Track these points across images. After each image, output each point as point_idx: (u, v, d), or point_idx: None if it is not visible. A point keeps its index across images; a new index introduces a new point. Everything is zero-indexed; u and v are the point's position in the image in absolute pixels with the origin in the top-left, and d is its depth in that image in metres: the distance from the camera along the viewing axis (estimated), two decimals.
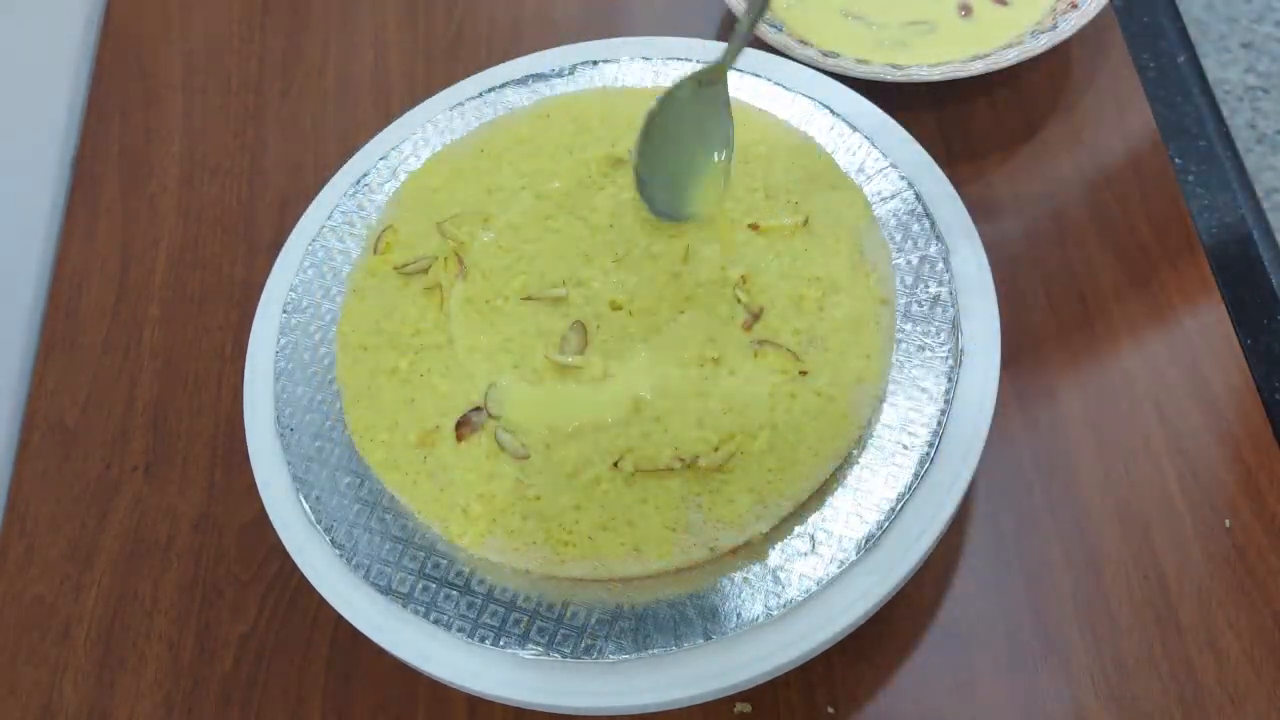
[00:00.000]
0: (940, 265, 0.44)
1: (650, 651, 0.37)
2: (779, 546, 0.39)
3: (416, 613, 0.39)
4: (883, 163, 0.47)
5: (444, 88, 0.53)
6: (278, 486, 0.43)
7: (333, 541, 0.41)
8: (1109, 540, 0.45)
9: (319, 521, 0.41)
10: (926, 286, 0.43)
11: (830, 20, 0.59)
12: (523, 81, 0.52)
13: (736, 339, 0.42)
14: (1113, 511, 0.46)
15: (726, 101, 0.45)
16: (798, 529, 0.39)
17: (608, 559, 0.38)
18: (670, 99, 0.45)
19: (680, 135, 0.45)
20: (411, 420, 0.42)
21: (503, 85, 0.52)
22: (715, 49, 0.52)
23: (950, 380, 0.41)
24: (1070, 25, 0.54)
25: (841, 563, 0.38)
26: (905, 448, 0.40)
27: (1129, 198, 0.54)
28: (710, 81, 0.44)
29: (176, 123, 0.64)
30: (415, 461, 0.41)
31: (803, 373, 0.41)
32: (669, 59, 0.52)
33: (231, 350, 0.55)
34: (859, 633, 0.39)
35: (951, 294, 0.43)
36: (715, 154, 0.45)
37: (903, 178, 0.46)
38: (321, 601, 0.40)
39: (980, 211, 0.46)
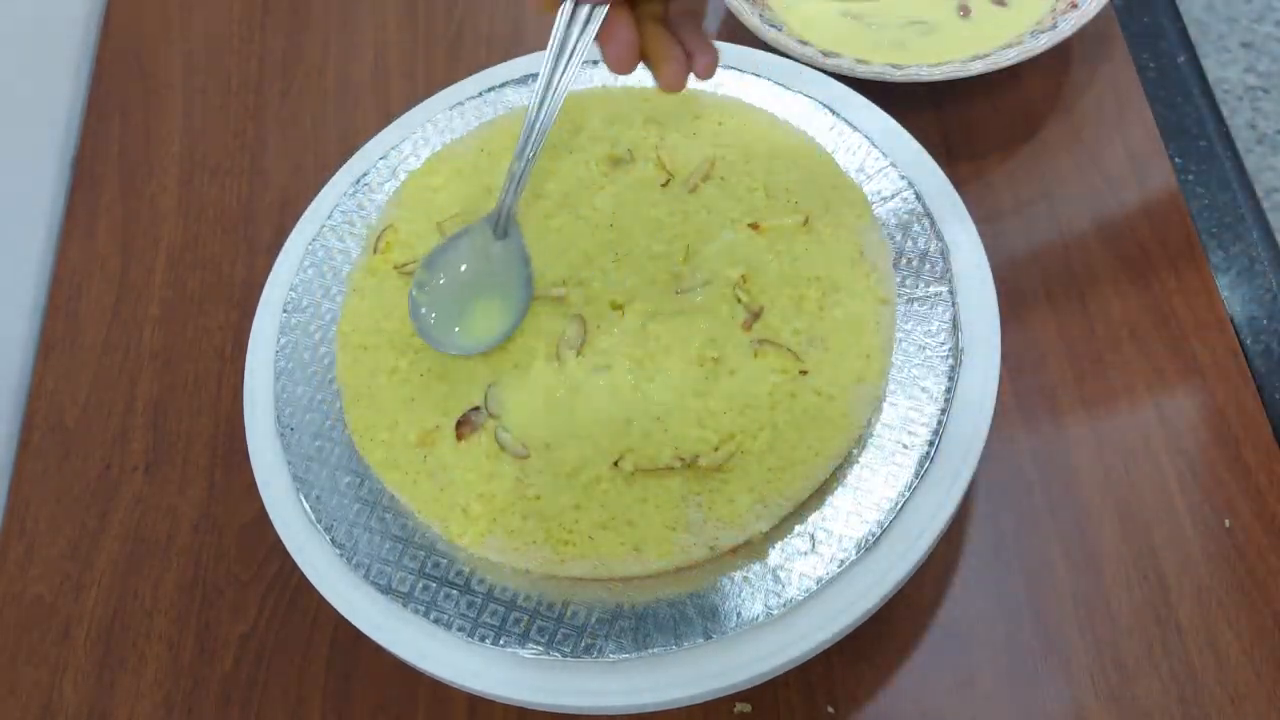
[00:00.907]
0: (940, 265, 0.44)
1: (650, 651, 0.37)
2: (779, 546, 0.39)
3: (416, 612, 0.39)
4: (883, 163, 0.47)
5: (444, 88, 0.53)
6: (278, 486, 0.43)
7: (333, 541, 0.41)
8: (1109, 540, 0.45)
9: (319, 521, 0.41)
10: (926, 286, 0.43)
11: (830, 20, 0.59)
12: (523, 81, 0.52)
13: (736, 339, 0.42)
14: (1113, 511, 0.46)
15: (526, 258, 0.44)
16: (798, 528, 0.39)
17: (608, 558, 0.38)
18: (464, 242, 0.44)
19: (470, 280, 0.44)
20: (411, 420, 0.42)
21: (502, 85, 0.52)
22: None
23: (950, 380, 0.41)
24: (1070, 25, 0.54)
25: (841, 562, 0.38)
26: (905, 447, 0.40)
27: (1129, 197, 0.54)
28: (504, 233, 0.43)
29: (176, 123, 0.64)
30: (415, 461, 0.41)
31: (803, 372, 0.41)
32: None
33: (231, 350, 0.55)
34: (859, 633, 0.39)
35: (951, 294, 0.43)
36: (506, 307, 0.43)
37: (903, 177, 0.46)
38: (321, 601, 0.40)
39: (980, 211, 0.47)
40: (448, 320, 0.43)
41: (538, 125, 0.41)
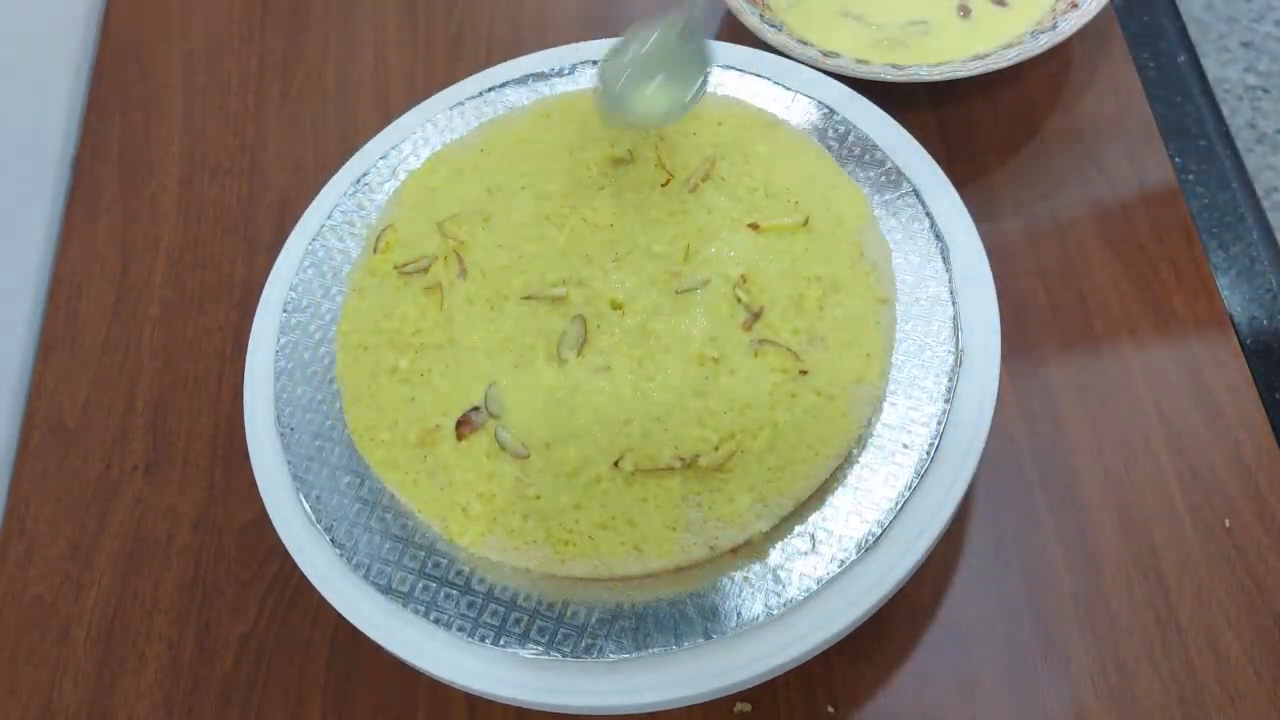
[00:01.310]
0: (940, 265, 0.44)
1: (650, 651, 0.37)
2: (779, 546, 0.39)
3: (417, 612, 0.39)
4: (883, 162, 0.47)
5: (444, 88, 0.53)
6: (278, 486, 0.43)
7: (333, 541, 0.41)
8: (1109, 540, 0.45)
9: (319, 521, 0.41)
10: (926, 286, 0.43)
11: (830, 20, 0.59)
12: (523, 81, 0.52)
13: (736, 338, 0.42)
14: (1113, 511, 0.46)
15: (706, 60, 0.47)
16: (798, 528, 0.39)
17: (608, 558, 0.39)
18: (655, 39, 0.48)
19: (655, 70, 0.48)
20: (411, 419, 0.42)
21: (503, 85, 0.52)
22: (715, 49, 0.52)
23: (950, 380, 0.41)
24: (1070, 25, 0.54)
25: (842, 562, 0.38)
26: (905, 447, 0.40)
27: (1129, 197, 0.54)
28: (689, 37, 0.47)
29: (176, 123, 0.64)
30: (415, 461, 0.41)
31: (803, 372, 0.41)
32: None
33: (231, 350, 0.55)
34: (859, 633, 0.39)
35: (951, 294, 0.43)
36: (682, 88, 0.47)
37: (903, 177, 0.46)
38: (321, 601, 0.40)
39: (980, 211, 0.47)
40: (630, 91, 0.47)
41: None
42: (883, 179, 0.46)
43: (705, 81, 0.47)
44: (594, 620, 0.38)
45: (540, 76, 0.52)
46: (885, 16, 0.59)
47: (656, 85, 0.47)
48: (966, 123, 0.57)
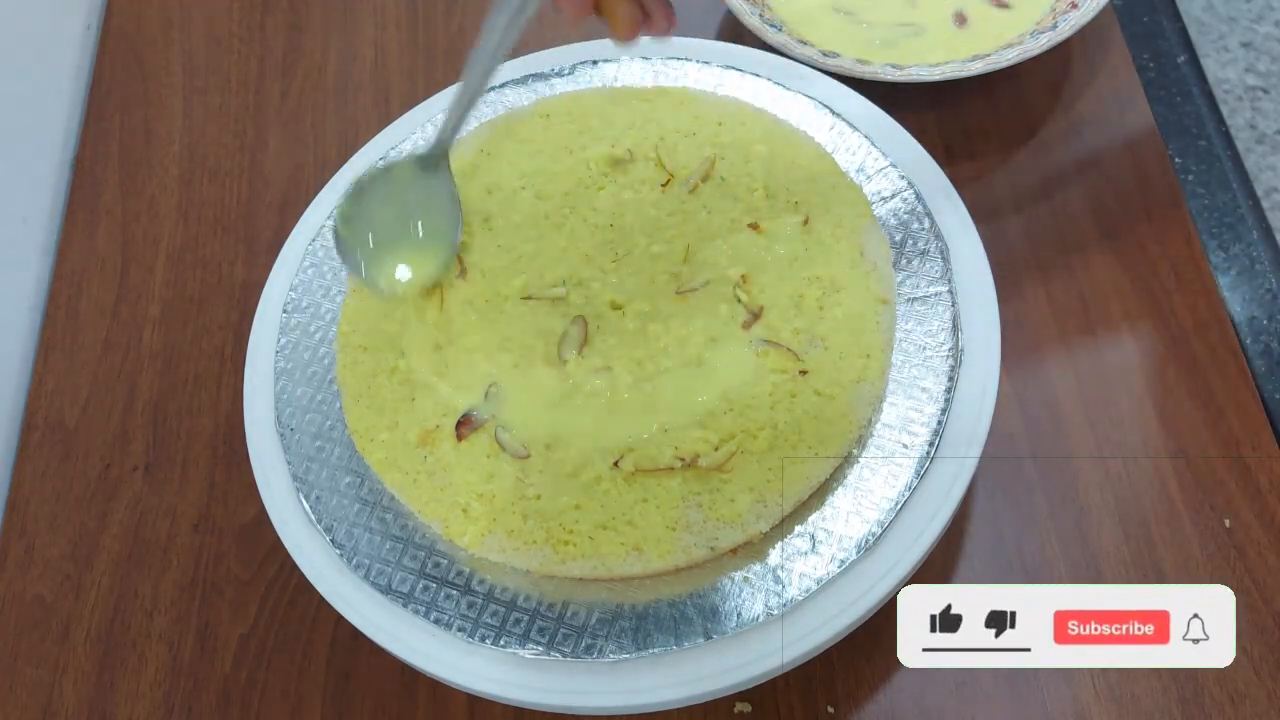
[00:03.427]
0: (940, 265, 0.44)
1: (650, 651, 0.37)
2: (779, 546, 0.39)
3: (417, 612, 0.39)
4: (883, 163, 0.47)
5: (444, 88, 0.53)
6: (278, 486, 0.43)
7: (333, 541, 0.41)
8: (1109, 540, 0.45)
9: (319, 521, 0.41)
10: (926, 286, 0.43)
11: (822, 17, 0.59)
12: (523, 81, 0.52)
13: (736, 339, 0.42)
14: (1113, 511, 0.46)
15: (454, 196, 0.45)
16: (798, 528, 0.39)
17: (608, 558, 0.39)
18: (388, 175, 0.45)
19: (396, 215, 0.44)
20: (411, 420, 0.42)
21: (502, 85, 0.52)
22: (715, 49, 0.52)
23: (950, 380, 0.41)
24: (1070, 25, 0.54)
25: (842, 562, 0.38)
26: (905, 447, 0.40)
27: (1129, 198, 0.54)
28: (433, 166, 0.44)
29: (176, 123, 0.64)
30: (415, 461, 0.41)
31: (803, 372, 0.41)
32: (668, 59, 0.52)
33: (231, 350, 0.55)
34: (859, 633, 0.39)
35: (951, 294, 0.43)
36: (436, 245, 0.44)
37: (903, 177, 0.46)
38: (321, 601, 0.40)
39: (980, 211, 0.46)
40: (380, 255, 0.44)
41: (484, 57, 0.42)
42: (882, 179, 0.46)
43: (460, 224, 0.44)
44: (594, 620, 0.38)
45: (540, 76, 0.52)
46: (876, 15, 0.59)
47: (409, 244, 0.43)
48: (966, 123, 0.57)
